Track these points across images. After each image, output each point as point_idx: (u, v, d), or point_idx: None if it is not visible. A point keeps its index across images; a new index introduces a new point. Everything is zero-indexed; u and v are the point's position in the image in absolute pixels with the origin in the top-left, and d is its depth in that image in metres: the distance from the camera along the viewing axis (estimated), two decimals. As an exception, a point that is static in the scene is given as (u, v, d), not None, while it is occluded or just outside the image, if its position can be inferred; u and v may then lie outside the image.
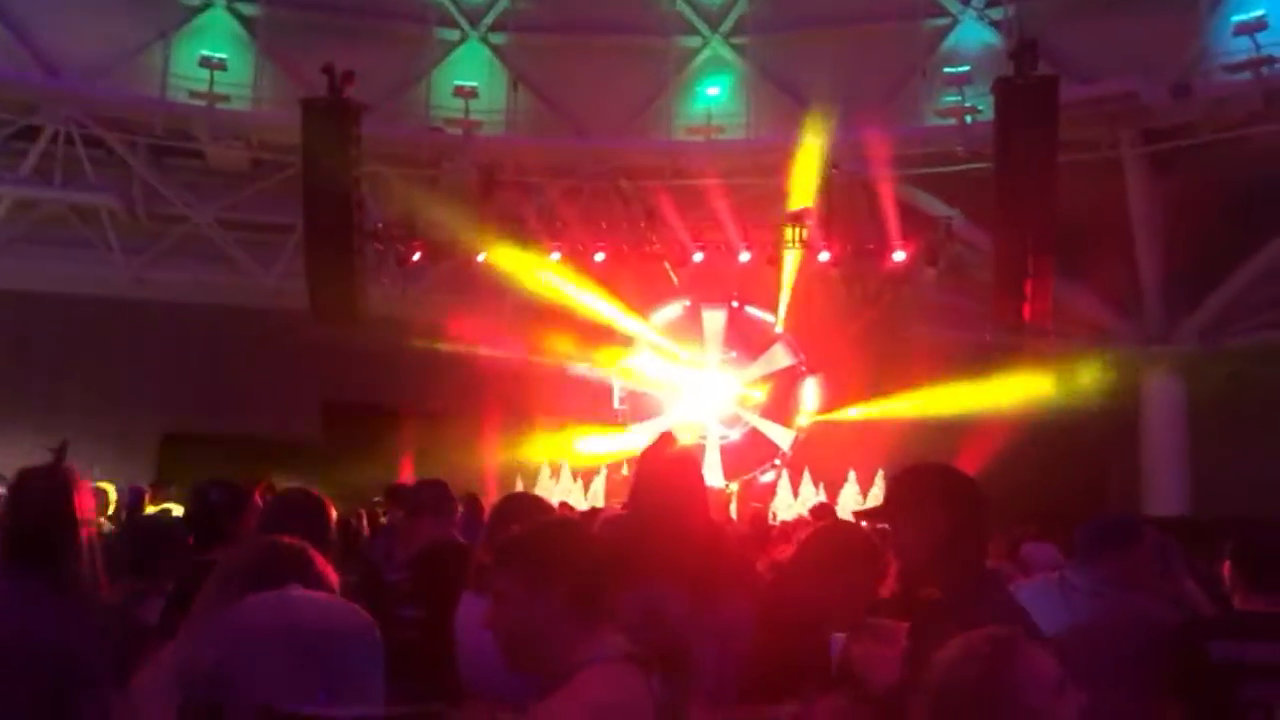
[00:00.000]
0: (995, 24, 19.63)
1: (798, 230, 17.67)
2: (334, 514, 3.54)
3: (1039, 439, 15.08)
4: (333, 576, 2.15)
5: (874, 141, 17.62)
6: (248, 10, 21.03)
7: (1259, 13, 16.92)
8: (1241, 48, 16.94)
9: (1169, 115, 17.09)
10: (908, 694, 2.49)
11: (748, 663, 2.90)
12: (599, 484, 18.50)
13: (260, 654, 1.24)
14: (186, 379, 19.08)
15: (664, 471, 2.94)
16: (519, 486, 18.17)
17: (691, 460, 3.08)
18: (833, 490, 17.92)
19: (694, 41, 21.51)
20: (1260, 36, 16.71)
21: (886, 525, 2.81)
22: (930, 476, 2.74)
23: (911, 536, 2.59)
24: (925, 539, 2.55)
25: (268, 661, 1.24)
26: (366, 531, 7.76)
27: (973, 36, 19.91)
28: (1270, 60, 16.53)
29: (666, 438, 3.11)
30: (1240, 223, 15.83)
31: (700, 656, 2.68)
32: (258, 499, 3.82)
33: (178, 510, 6.33)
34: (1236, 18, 17.18)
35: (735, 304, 19.54)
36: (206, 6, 20.91)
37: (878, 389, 17.28)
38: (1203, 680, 3.05)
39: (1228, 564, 3.30)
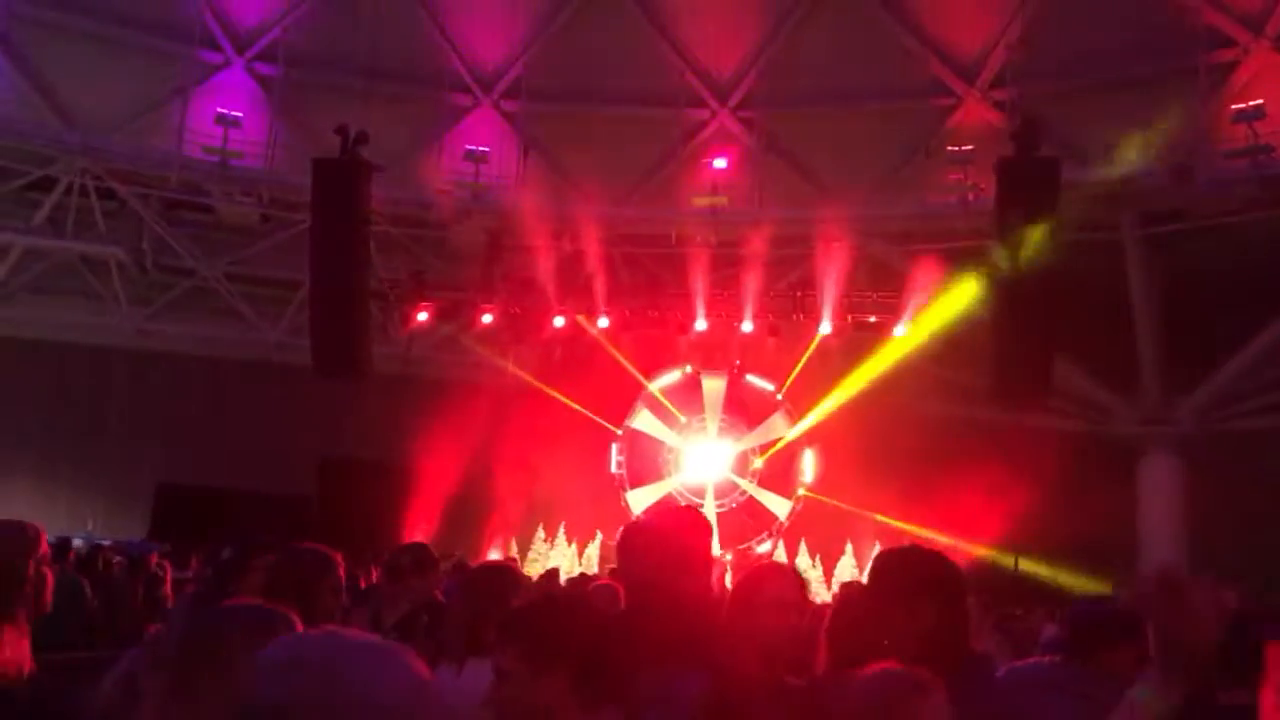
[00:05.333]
0: (998, 105, 19.96)
1: (800, 301, 17.87)
2: (341, 570, 3.52)
3: (1037, 517, 15.03)
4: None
5: (877, 216, 17.86)
6: (266, 70, 21.44)
7: (1257, 101, 17.25)
8: (1240, 135, 17.22)
9: (1168, 199, 17.31)
10: None
11: None
12: (593, 549, 18.41)
13: None
14: (185, 431, 19.11)
15: (670, 537, 2.71)
16: (514, 549, 18.12)
17: (698, 525, 2.81)
18: (829, 562, 17.83)
19: (703, 114, 21.87)
20: (1258, 125, 17.00)
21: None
22: (921, 565, 2.70)
23: (901, 625, 2.54)
24: (914, 628, 2.52)
25: None
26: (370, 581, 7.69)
27: (976, 116, 20.24)
28: (1267, 149, 16.79)
29: (671, 505, 3.06)
30: (1238, 306, 15.96)
31: None
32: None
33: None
34: (1236, 105, 17.50)
35: (736, 372, 19.60)
36: (225, 65, 21.32)
37: (876, 461, 17.26)
38: None
39: None
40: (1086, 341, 16.71)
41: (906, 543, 2.89)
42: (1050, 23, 18.96)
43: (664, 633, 2.50)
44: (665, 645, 2.47)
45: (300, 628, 1.98)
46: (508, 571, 3.61)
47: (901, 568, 2.70)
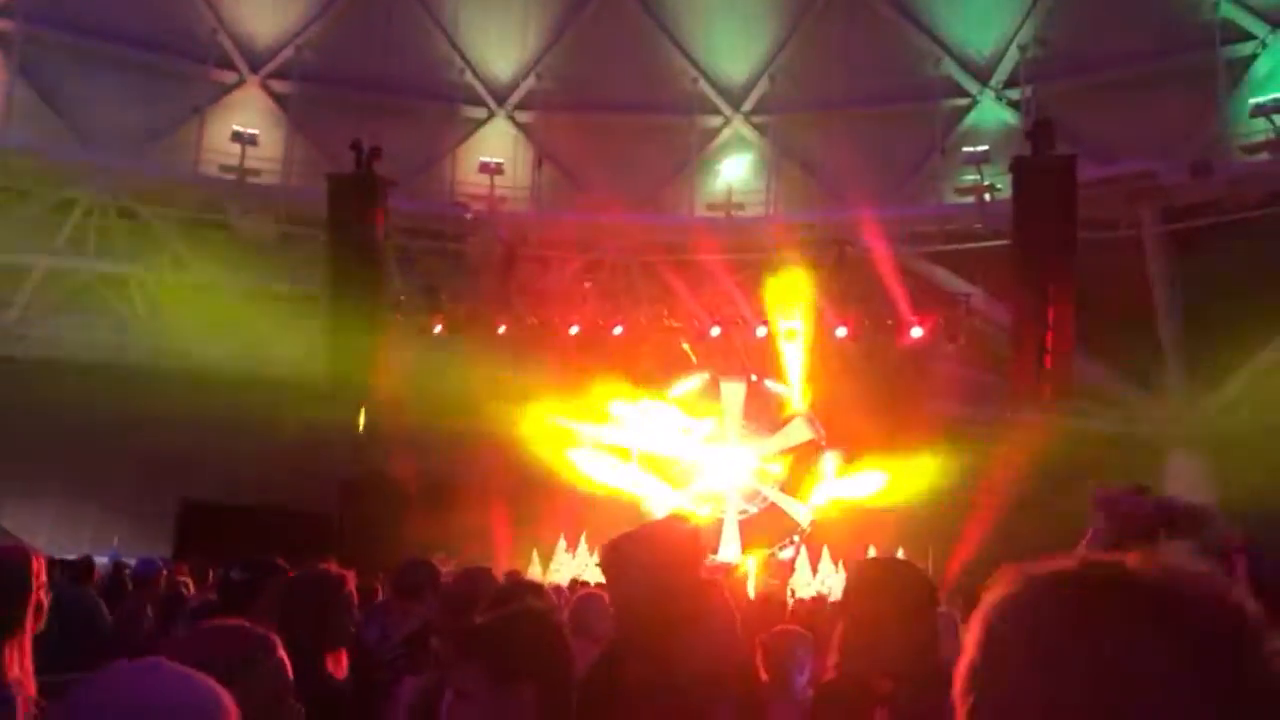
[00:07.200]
0: (1013, 104, 19.85)
1: (816, 305, 17.82)
2: (353, 589, 3.53)
3: (1057, 517, 14.87)
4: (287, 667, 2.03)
5: (892, 218, 17.79)
6: (281, 87, 21.59)
7: (1277, 94, 17.07)
8: (1259, 129, 17.06)
9: (1188, 194, 17.15)
10: None
11: None
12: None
13: None
14: (207, 449, 19.16)
15: (656, 561, 2.54)
16: (535, 561, 18.11)
17: (684, 542, 2.66)
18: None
19: (716, 120, 21.86)
20: (1278, 118, 16.83)
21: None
22: (919, 577, 2.68)
23: (904, 636, 2.49)
24: (915, 640, 2.48)
25: None
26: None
27: (991, 116, 20.14)
28: (1289, 141, 16.64)
29: (656, 524, 2.94)
30: (1263, 301, 15.76)
31: None
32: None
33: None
34: (1254, 99, 17.33)
35: (754, 378, 19.52)
36: (240, 83, 21.49)
37: (898, 465, 17.14)
38: None
39: None
40: (1109, 339, 16.56)
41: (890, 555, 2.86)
42: (1063, 20, 18.86)
43: (659, 659, 2.38)
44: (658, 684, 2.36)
45: (279, 648, 1.98)
46: (486, 574, 3.62)
47: (908, 578, 2.66)
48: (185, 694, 1.27)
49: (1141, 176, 17.06)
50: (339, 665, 3.32)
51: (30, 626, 2.79)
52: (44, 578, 2.79)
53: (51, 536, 16.99)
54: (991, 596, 0.93)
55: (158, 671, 1.32)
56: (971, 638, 0.92)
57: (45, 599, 2.78)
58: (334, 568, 3.58)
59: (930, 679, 2.36)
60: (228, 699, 1.29)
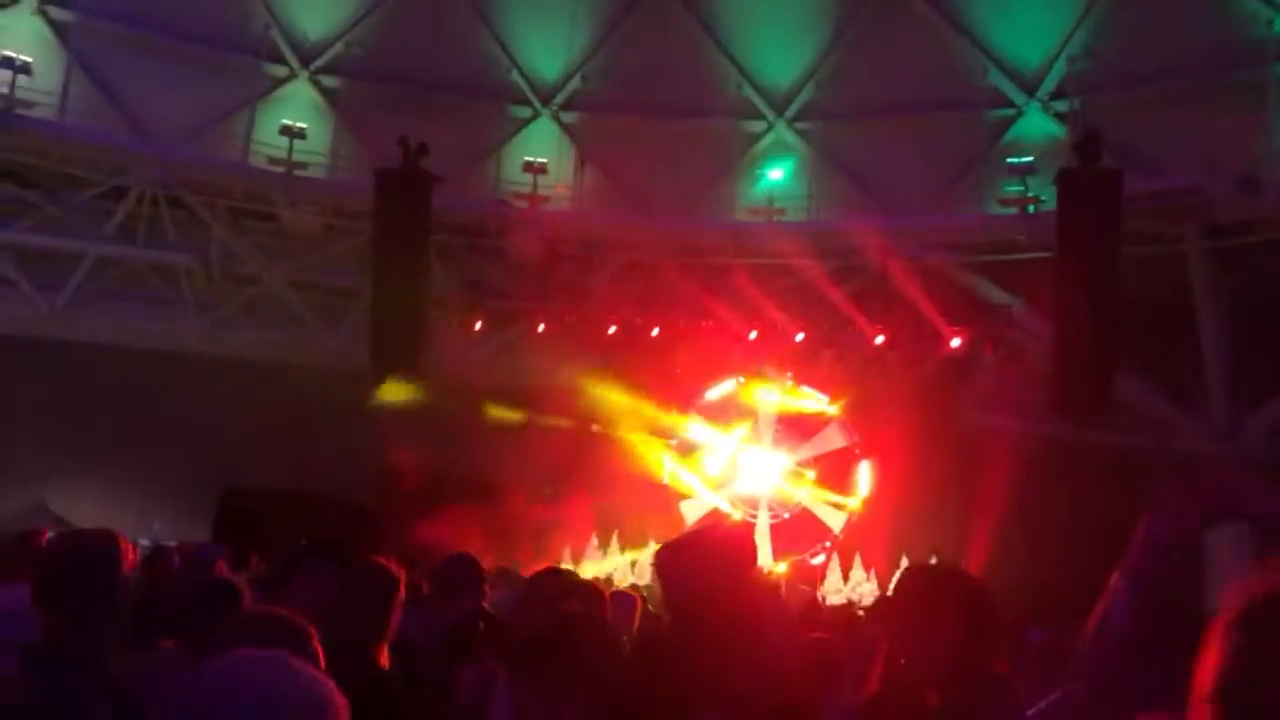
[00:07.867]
0: (1060, 116, 19.69)
1: (856, 313, 17.80)
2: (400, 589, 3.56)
3: (1091, 537, 14.76)
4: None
5: (935, 228, 17.71)
6: (329, 82, 21.86)
7: (1329, 112, 16.83)
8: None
9: (1235, 211, 16.93)
10: None
11: None
12: (647, 557, 18.42)
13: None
14: (250, 436, 19.42)
15: (709, 563, 2.55)
16: (567, 557, 18.21)
17: (737, 546, 2.83)
18: (884, 576, 17.67)
19: (759, 125, 21.85)
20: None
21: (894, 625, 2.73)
22: (946, 582, 2.75)
23: (922, 641, 2.56)
24: (937, 646, 2.53)
25: None
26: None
27: (1037, 127, 19.98)
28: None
29: (706, 528, 2.96)
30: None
31: None
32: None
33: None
34: (1306, 116, 17.09)
35: (789, 383, 19.53)
36: (290, 78, 21.78)
37: (932, 475, 17.07)
38: None
39: None
40: (1151, 355, 16.39)
41: (941, 560, 2.90)
42: (1114, 32, 18.68)
43: (717, 665, 2.42)
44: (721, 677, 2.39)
45: (315, 639, 2.02)
46: (565, 578, 3.69)
47: (929, 584, 2.75)
48: (311, 689, 1.30)
49: (1188, 192, 16.86)
50: (380, 658, 3.40)
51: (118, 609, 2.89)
52: (130, 556, 2.88)
53: (94, 518, 17.28)
54: (1244, 604, 0.86)
55: (284, 664, 1.34)
56: (1220, 647, 0.86)
57: (129, 579, 2.87)
58: (392, 565, 3.61)
59: (980, 689, 2.41)
60: (343, 700, 1.31)
